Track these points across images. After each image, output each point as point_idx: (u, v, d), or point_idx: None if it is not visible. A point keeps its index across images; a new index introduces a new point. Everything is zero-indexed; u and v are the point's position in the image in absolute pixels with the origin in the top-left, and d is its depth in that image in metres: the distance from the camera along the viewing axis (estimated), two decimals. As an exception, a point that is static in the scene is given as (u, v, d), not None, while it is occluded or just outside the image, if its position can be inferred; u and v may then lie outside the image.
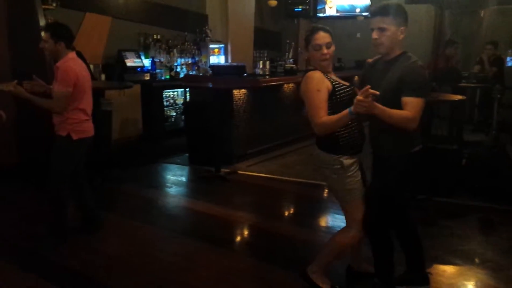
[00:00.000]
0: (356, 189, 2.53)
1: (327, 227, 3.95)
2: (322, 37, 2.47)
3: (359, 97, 2.19)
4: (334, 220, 4.01)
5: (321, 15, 10.24)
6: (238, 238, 3.85)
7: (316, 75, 2.47)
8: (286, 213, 4.47)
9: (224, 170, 5.26)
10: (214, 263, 3.18)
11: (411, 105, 2.28)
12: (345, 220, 2.67)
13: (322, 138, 2.52)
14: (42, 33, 3.25)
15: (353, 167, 2.50)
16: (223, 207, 4.28)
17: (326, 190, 4.73)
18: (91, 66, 6.08)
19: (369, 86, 2.16)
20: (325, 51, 2.48)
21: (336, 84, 2.49)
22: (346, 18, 10.09)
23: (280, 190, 4.93)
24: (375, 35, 2.40)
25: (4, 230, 3.66)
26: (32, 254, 3.27)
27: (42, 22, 4.71)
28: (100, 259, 3.23)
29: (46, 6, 5.15)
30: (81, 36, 6.26)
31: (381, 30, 2.37)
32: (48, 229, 3.50)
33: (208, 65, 7.85)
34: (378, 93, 2.18)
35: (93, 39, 6.48)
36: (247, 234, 3.90)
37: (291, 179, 5.19)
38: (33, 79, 3.41)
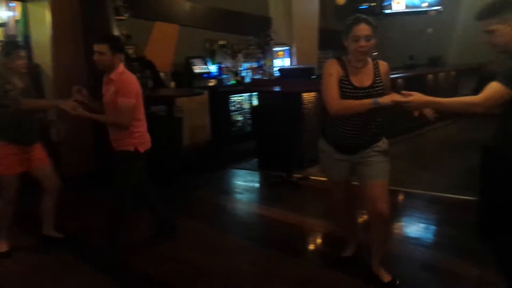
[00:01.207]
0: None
1: (403, 235, 3.70)
2: (362, 29, 2.46)
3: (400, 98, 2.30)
4: (409, 227, 3.79)
5: (388, 11, 9.82)
6: (313, 247, 3.70)
7: (331, 61, 2.63)
8: (361, 220, 4.23)
9: (295, 175, 5.12)
10: (292, 273, 3.05)
11: (487, 90, 2.12)
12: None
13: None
14: (97, 46, 3.13)
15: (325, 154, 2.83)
16: (297, 214, 4.14)
17: (402, 196, 4.46)
18: (161, 74, 6.21)
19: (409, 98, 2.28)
20: (363, 43, 2.47)
21: (344, 79, 2.57)
22: (416, 13, 9.59)
23: (354, 196, 4.69)
24: (487, 38, 2.20)
25: (86, 233, 3.77)
26: (110, 258, 3.34)
27: (116, 33, 4.84)
28: (177, 266, 3.21)
29: (119, 17, 5.29)
30: (151, 45, 6.41)
31: (491, 32, 2.16)
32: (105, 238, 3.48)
33: (273, 68, 7.77)
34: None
35: (163, 47, 6.61)
36: (323, 243, 3.73)
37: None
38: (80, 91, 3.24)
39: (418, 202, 4.41)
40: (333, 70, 2.58)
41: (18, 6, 5.59)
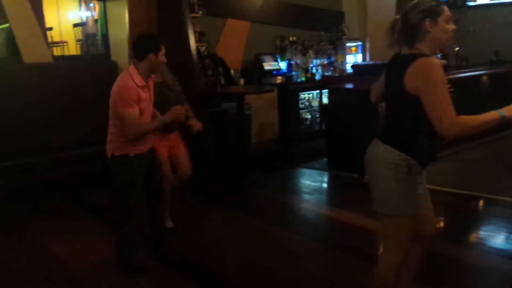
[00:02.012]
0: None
1: (488, 246, 3.35)
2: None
3: None
4: (495, 238, 3.46)
5: (471, 3, 9.14)
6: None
7: (437, 61, 1.94)
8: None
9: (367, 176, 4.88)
10: (364, 281, 2.85)
11: None
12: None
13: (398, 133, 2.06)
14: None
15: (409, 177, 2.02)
16: (370, 218, 3.88)
17: (485, 203, 4.15)
18: (231, 71, 6.22)
19: None
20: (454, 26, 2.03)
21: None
22: (503, 5, 8.84)
23: (432, 202, 4.37)
24: None
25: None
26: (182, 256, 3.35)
27: (190, 30, 4.88)
28: (244, 266, 3.17)
29: (194, 15, 5.35)
30: (222, 42, 6.44)
31: None
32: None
33: (345, 65, 7.52)
34: None
35: (233, 44, 6.62)
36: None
37: (444, 189, 4.58)
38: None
39: (504, 210, 4.02)
40: (444, 77, 1.90)
41: (96, 5, 5.84)
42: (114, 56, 5.61)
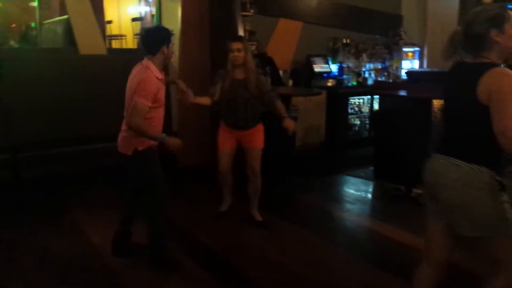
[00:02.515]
0: None
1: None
2: None
3: None
4: None
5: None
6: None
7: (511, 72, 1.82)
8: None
9: (416, 190, 4.62)
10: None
11: None
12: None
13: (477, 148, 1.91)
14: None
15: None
16: (415, 235, 3.66)
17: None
18: (280, 72, 6.12)
19: None
20: None
21: None
22: None
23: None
24: None
25: (193, 228, 3.80)
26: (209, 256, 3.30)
27: (240, 29, 4.83)
28: (279, 273, 3.06)
29: (245, 13, 5.30)
30: (273, 42, 6.35)
31: None
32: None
33: (400, 70, 7.21)
34: None
35: (284, 44, 6.51)
36: (446, 275, 3.24)
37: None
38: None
39: None
40: None
41: (155, 1, 5.92)
42: (166, 51, 5.67)
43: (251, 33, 5.58)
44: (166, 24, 5.71)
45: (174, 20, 5.44)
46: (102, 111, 5.06)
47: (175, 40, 5.29)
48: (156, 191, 3.01)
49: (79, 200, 4.40)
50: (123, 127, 2.97)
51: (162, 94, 2.93)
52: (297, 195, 4.70)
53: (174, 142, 2.90)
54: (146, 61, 2.88)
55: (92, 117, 5.07)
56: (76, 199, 4.42)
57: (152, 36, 2.95)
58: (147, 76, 2.80)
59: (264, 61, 5.79)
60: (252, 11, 5.44)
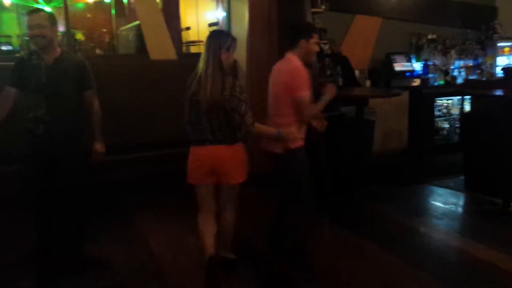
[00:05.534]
0: None
1: None
2: None
3: None
4: None
5: None
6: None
7: None
8: None
9: (516, 205, 3.96)
10: None
11: None
12: None
13: None
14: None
15: None
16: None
17: None
18: (356, 72, 5.69)
19: None
20: None
21: None
22: None
23: None
24: None
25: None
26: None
27: (310, 26, 4.51)
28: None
29: (315, 10, 4.96)
30: (348, 40, 5.95)
31: None
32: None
33: (495, 68, 6.42)
34: None
35: (361, 42, 6.06)
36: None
37: None
38: None
39: None
40: None
41: (224, 3, 5.81)
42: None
43: (322, 31, 5.22)
44: (235, 25, 5.57)
45: (242, 21, 5.28)
46: (170, 117, 5.01)
47: (243, 42, 5.20)
48: (306, 189, 2.88)
49: (143, 206, 4.35)
50: (269, 125, 2.88)
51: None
52: (373, 206, 4.25)
53: (330, 90, 2.91)
54: (290, 54, 2.90)
55: (161, 123, 5.03)
56: (141, 205, 4.36)
57: (293, 29, 3.00)
58: (296, 66, 2.81)
59: (337, 61, 5.42)
60: (323, 7, 5.08)
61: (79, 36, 7.05)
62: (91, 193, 3.79)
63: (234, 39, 2.74)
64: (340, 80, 5.30)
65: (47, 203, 2.96)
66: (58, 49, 2.88)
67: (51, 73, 2.81)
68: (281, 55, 4.79)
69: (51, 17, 2.85)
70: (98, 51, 7.24)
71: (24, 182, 3.01)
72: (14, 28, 7.13)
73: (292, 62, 2.85)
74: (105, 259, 3.24)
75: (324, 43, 5.23)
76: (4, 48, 7.13)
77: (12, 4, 7.92)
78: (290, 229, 2.99)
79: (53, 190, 2.92)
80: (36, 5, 10.65)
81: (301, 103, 2.77)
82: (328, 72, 5.11)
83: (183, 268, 3.11)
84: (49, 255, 3.08)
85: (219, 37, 2.67)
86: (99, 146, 2.97)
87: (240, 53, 5.35)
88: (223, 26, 7.10)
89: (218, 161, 2.66)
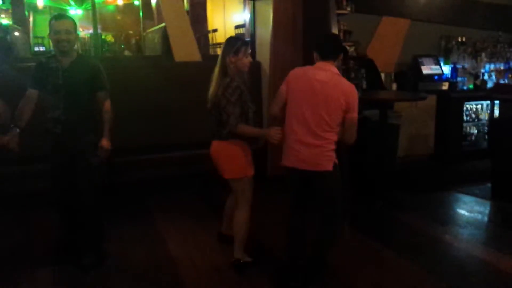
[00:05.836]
0: None
1: None
2: None
3: None
4: None
5: None
6: None
7: None
8: None
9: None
10: None
11: None
12: None
13: None
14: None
15: None
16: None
17: None
18: (382, 75, 5.60)
19: None
20: None
21: None
22: None
23: None
24: None
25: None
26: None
27: (334, 28, 4.46)
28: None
29: (341, 11, 4.90)
30: (374, 43, 5.84)
31: None
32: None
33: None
34: None
35: (388, 45, 5.94)
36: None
37: None
38: None
39: None
40: None
41: (250, 5, 5.80)
42: (258, 56, 5.49)
43: (347, 33, 5.15)
44: (259, 28, 5.56)
45: (266, 24, 5.27)
46: (195, 119, 5.05)
47: (267, 45, 5.18)
48: (341, 202, 2.83)
49: (166, 207, 4.39)
50: (311, 141, 2.69)
51: None
52: (396, 214, 4.17)
53: None
54: (330, 66, 2.75)
55: (185, 124, 5.07)
56: (163, 206, 4.41)
57: (334, 42, 2.91)
58: (351, 84, 2.74)
59: (363, 63, 5.35)
60: (348, 9, 5.00)
61: (109, 37, 7.22)
62: (111, 191, 3.90)
63: (244, 43, 2.91)
64: (364, 83, 5.21)
65: (69, 200, 3.10)
66: (74, 53, 3.05)
67: (68, 75, 2.99)
68: (306, 58, 4.80)
69: (75, 24, 3.05)
70: (126, 52, 7.39)
71: (49, 179, 3.13)
72: (47, 29, 7.36)
73: (341, 77, 2.75)
74: (123, 257, 3.30)
75: (349, 45, 5.15)
76: (37, 49, 7.38)
77: (45, 6, 8.18)
78: (332, 245, 2.99)
79: (75, 187, 3.05)
80: (68, 7, 10.99)
81: (354, 125, 2.73)
82: (352, 75, 5.03)
83: (199, 270, 3.12)
84: (70, 249, 3.22)
85: (229, 42, 2.91)
86: (106, 143, 3.06)
87: (265, 56, 5.36)
88: (248, 29, 7.11)
89: (213, 155, 2.98)
